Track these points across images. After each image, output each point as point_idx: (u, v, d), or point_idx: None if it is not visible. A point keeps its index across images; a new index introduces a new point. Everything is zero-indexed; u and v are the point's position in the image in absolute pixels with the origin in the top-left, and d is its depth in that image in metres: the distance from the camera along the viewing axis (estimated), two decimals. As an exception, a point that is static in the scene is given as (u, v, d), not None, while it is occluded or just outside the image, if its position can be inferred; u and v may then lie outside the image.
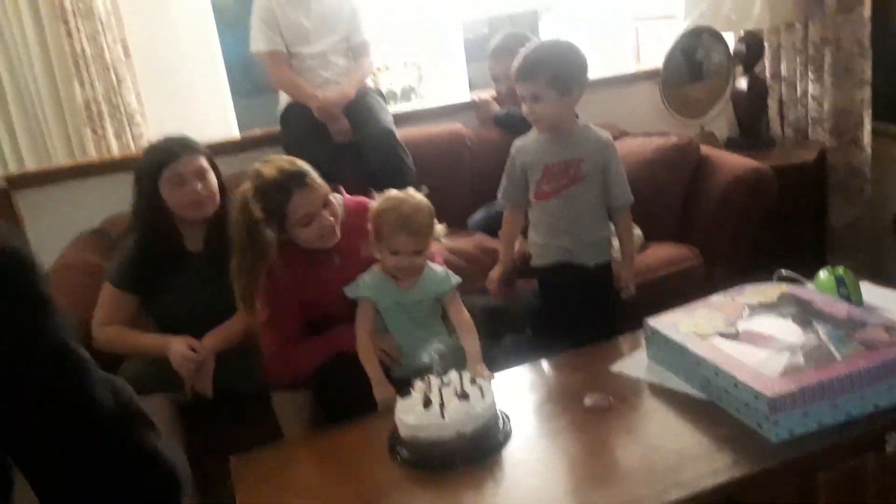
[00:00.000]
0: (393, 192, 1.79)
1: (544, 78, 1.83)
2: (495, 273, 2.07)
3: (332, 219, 1.80)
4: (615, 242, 2.35)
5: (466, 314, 1.81)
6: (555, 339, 1.86)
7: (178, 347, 1.88)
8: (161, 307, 2.03)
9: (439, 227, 1.81)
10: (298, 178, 1.75)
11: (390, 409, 1.50)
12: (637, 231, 2.48)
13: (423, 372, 1.53)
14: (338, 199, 1.90)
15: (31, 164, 3.30)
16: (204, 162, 1.98)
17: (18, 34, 3.33)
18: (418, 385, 1.48)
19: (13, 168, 3.29)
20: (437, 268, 1.84)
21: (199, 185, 1.95)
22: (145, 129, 3.37)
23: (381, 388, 1.70)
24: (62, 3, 3.25)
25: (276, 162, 1.79)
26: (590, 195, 1.92)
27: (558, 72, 1.83)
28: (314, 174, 1.81)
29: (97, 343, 1.94)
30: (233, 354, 1.95)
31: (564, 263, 1.96)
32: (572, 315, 1.92)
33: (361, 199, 1.95)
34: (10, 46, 3.38)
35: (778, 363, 1.39)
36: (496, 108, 2.97)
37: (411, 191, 1.80)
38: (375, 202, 1.78)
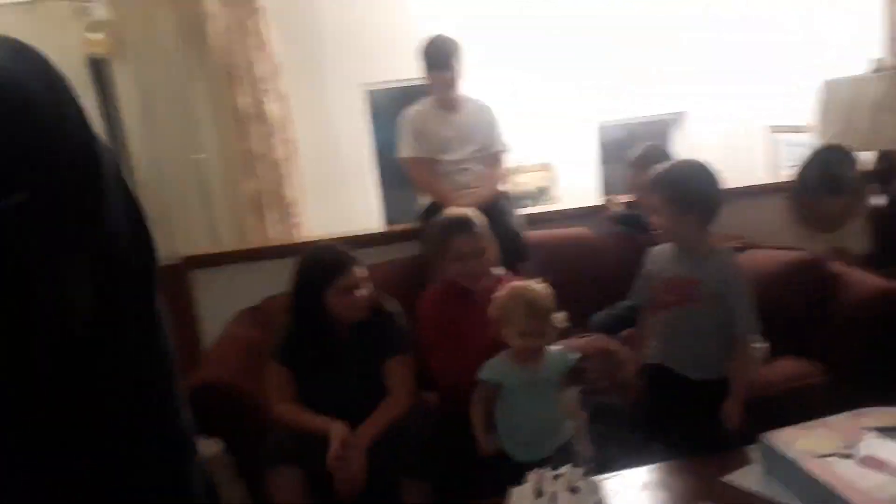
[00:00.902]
0: (516, 283, 2.03)
1: (665, 194, 1.97)
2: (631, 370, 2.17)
3: (479, 267, 2.24)
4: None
5: (572, 400, 2.02)
6: (654, 441, 1.91)
7: (339, 433, 2.03)
8: (308, 389, 2.20)
9: (559, 314, 1.96)
10: (465, 224, 2.28)
11: (486, 454, 1.89)
12: (762, 345, 2.49)
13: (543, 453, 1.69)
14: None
15: (203, 246, 3.77)
16: (364, 271, 2.20)
17: (200, 133, 3.88)
18: (531, 475, 1.58)
19: (187, 249, 3.68)
20: (555, 348, 2.00)
21: (362, 293, 2.17)
22: (304, 219, 3.77)
23: (485, 444, 1.93)
24: (238, 108, 3.76)
25: (462, 209, 2.40)
26: (703, 317, 1.96)
27: (679, 191, 1.95)
28: (482, 230, 2.29)
29: (276, 418, 2.14)
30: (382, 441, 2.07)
31: (668, 369, 2.02)
32: (671, 421, 1.97)
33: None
34: (194, 144, 3.93)
35: (894, 490, 1.39)
36: (621, 209, 3.11)
37: (532, 281, 2.02)
38: (500, 292, 1.99)
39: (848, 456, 1.52)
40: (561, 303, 2.06)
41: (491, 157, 3.06)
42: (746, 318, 1.96)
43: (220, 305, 2.90)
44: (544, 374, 1.96)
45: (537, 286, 1.98)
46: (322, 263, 2.18)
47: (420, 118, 3.03)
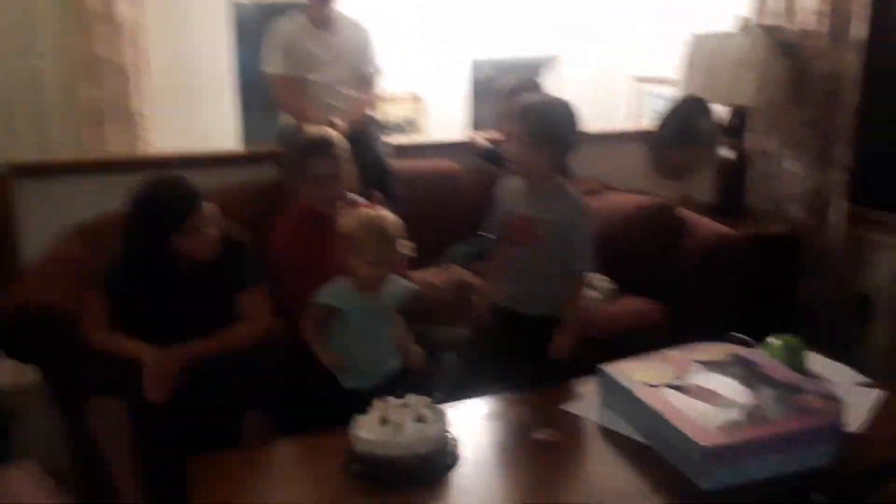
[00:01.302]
0: (365, 210, 1.96)
1: (526, 124, 1.93)
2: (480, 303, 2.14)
3: (335, 191, 2.18)
4: (591, 293, 2.45)
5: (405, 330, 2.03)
6: (497, 374, 1.94)
7: (152, 355, 1.90)
8: (142, 323, 1.99)
9: (406, 243, 1.95)
10: (325, 146, 2.19)
11: (339, 369, 1.87)
12: (609, 286, 2.58)
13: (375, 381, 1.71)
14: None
15: (29, 156, 3.33)
16: (212, 207, 1.99)
17: (34, 27, 3.41)
18: (377, 404, 1.55)
19: (11, 157, 3.23)
20: (397, 278, 1.99)
21: (212, 232, 1.98)
22: (151, 134, 3.48)
23: (327, 357, 1.88)
24: (84, 6, 3.36)
25: (324, 129, 2.31)
26: (544, 254, 1.97)
27: (539, 124, 1.92)
28: (341, 153, 2.21)
29: (93, 346, 1.95)
30: (216, 366, 1.96)
31: (507, 308, 2.04)
32: (514, 355, 1.99)
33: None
34: (25, 38, 3.44)
35: (717, 418, 1.47)
36: (484, 143, 3.08)
37: (381, 209, 1.98)
38: (347, 218, 1.93)
39: (678, 387, 1.59)
40: (424, 235, 2.02)
41: (362, 78, 2.93)
42: (584, 257, 1.99)
43: (49, 221, 2.60)
44: (383, 302, 1.94)
45: (386, 214, 1.94)
46: (166, 205, 1.93)
47: (291, 33, 2.84)
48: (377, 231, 1.86)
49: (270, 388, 1.97)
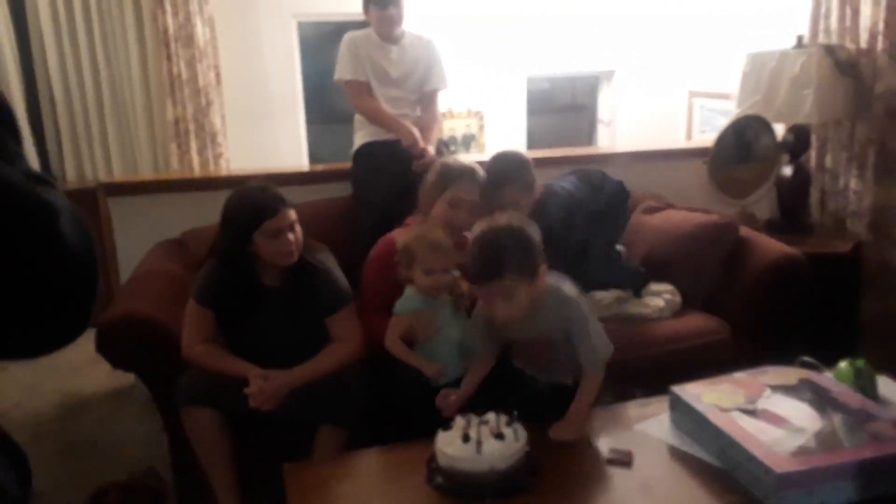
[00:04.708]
0: (415, 227, 2.10)
1: (511, 275, 1.64)
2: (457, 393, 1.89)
3: (467, 219, 2.17)
4: (657, 302, 2.52)
5: None
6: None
7: (258, 376, 1.99)
8: (234, 334, 2.12)
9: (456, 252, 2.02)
10: (473, 172, 2.33)
11: (439, 377, 1.96)
12: (672, 297, 2.67)
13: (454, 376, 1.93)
14: None
15: (119, 172, 3.72)
16: (294, 214, 2.09)
17: (123, 54, 3.68)
18: (459, 420, 1.59)
19: (102, 173, 3.71)
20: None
21: (292, 237, 2.07)
22: (225, 150, 3.67)
23: (429, 367, 1.99)
24: (166, 30, 3.52)
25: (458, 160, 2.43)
26: (558, 351, 1.82)
27: (523, 260, 1.66)
28: (480, 175, 2.33)
29: (188, 359, 2.05)
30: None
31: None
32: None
33: None
34: (113, 64, 3.71)
35: (790, 443, 1.50)
36: None
37: (431, 224, 2.11)
38: (402, 238, 2.04)
39: (749, 411, 1.62)
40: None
41: (425, 95, 2.96)
42: (588, 348, 1.75)
43: (138, 236, 2.75)
44: (447, 303, 2.05)
45: (437, 227, 2.06)
46: (251, 205, 2.03)
47: (363, 45, 2.85)
48: (432, 243, 1.95)
49: (351, 403, 2.04)
